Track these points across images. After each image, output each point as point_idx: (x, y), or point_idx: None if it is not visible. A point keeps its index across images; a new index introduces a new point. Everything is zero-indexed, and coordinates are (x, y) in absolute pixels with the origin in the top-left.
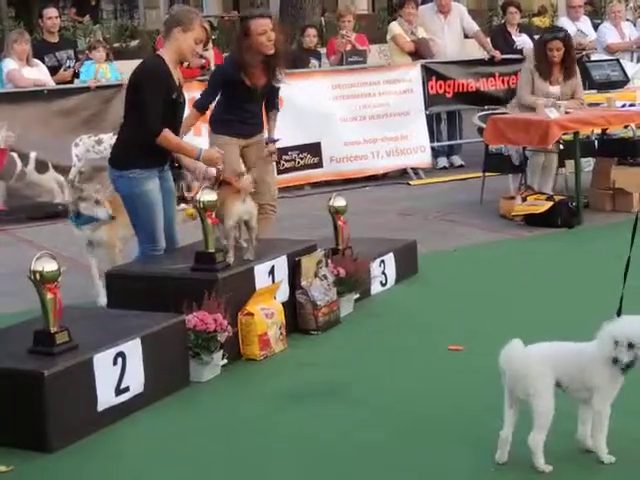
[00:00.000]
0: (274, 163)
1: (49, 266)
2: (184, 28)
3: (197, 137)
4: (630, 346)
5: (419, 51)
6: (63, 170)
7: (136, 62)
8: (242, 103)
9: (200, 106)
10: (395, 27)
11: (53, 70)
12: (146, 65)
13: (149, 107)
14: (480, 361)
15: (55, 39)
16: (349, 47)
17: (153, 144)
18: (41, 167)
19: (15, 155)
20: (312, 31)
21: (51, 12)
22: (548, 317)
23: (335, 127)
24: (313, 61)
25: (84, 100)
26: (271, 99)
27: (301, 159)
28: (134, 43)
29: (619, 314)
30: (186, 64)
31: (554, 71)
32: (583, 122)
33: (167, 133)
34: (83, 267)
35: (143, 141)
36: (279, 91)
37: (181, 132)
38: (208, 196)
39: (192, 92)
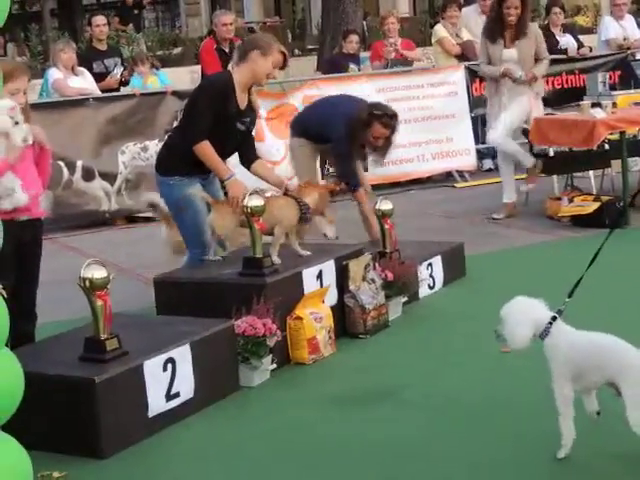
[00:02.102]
0: None
1: (99, 273)
2: (263, 52)
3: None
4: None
5: (465, 53)
6: (109, 178)
7: (178, 69)
8: None
9: None
10: (440, 30)
11: (101, 77)
12: (209, 79)
13: (196, 116)
14: (532, 363)
15: (103, 47)
16: (393, 55)
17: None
18: (88, 175)
19: (62, 164)
20: (355, 37)
21: (99, 20)
22: (600, 319)
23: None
24: (352, 66)
25: (130, 108)
26: None
27: None
28: (176, 51)
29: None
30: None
31: (506, 33)
32: (629, 121)
33: (205, 146)
34: (130, 274)
35: (186, 149)
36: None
37: None
38: (255, 201)
39: None
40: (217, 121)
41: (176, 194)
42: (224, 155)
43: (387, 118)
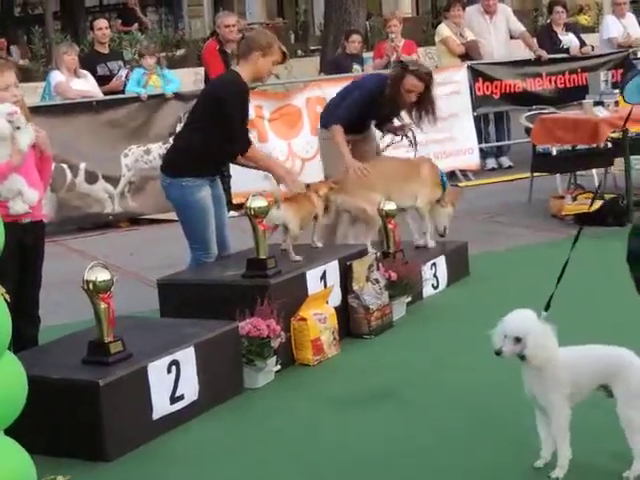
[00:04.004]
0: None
1: (102, 276)
2: (264, 52)
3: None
4: (517, 340)
5: (469, 53)
6: (112, 180)
7: (181, 71)
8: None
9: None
10: (444, 29)
11: (104, 80)
12: (232, 81)
13: (239, 123)
14: None
15: (106, 50)
16: (394, 57)
17: (225, 157)
18: (91, 178)
19: (65, 166)
20: (357, 37)
21: (101, 23)
22: (606, 318)
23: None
24: (356, 66)
25: (133, 110)
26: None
27: None
28: (179, 53)
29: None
30: None
31: None
32: (632, 120)
33: (253, 150)
34: (133, 276)
35: (202, 151)
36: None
37: None
38: (258, 202)
39: None
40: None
41: (189, 196)
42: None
43: (421, 72)
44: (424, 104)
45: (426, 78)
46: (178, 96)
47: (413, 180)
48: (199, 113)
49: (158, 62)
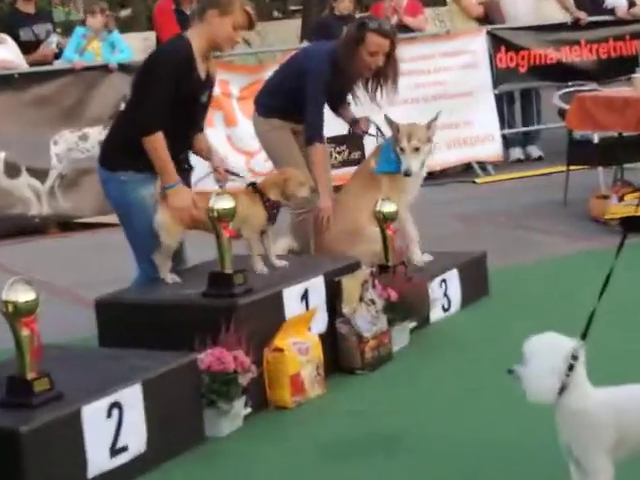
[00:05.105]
0: None
1: (25, 295)
2: (220, 11)
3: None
4: None
5: (489, 15)
6: (39, 174)
7: (127, 36)
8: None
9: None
10: None
11: (29, 47)
12: (165, 48)
13: (149, 99)
14: None
15: (31, 9)
16: (395, 18)
17: (176, 145)
18: (12, 171)
19: None
20: None
21: None
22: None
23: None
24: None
25: (65, 86)
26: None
27: (339, 154)
28: (125, 13)
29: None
30: None
31: None
32: None
33: (158, 139)
34: (65, 295)
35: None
36: None
37: None
38: (223, 203)
39: None
40: (178, 102)
41: (130, 194)
42: (189, 138)
43: (384, 27)
44: (386, 68)
45: (391, 33)
46: (122, 68)
47: (376, 189)
48: (134, 90)
49: (106, 24)
